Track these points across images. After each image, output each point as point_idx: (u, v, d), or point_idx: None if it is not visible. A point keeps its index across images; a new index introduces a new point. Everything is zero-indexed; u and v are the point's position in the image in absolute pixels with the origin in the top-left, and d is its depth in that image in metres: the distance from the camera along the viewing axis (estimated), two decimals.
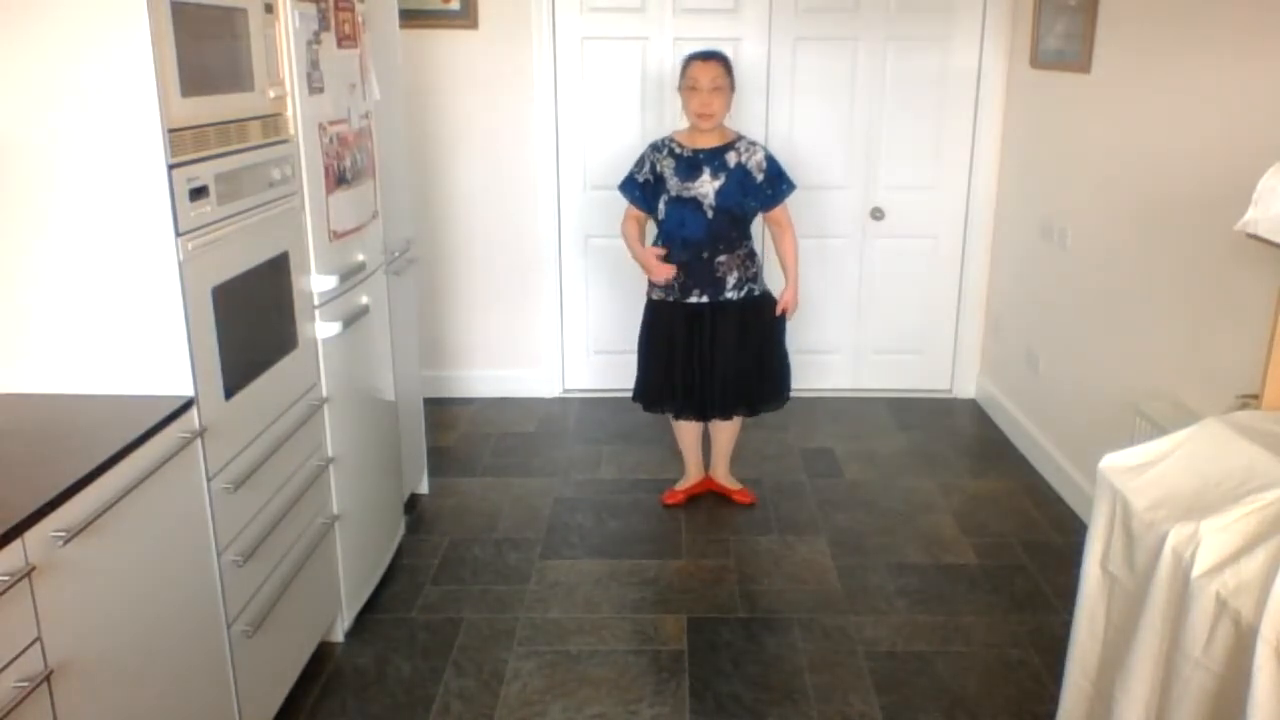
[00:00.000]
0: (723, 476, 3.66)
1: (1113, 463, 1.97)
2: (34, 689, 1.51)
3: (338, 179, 2.66)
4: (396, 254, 3.26)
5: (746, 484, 3.68)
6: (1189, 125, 2.89)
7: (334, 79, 2.61)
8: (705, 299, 3.31)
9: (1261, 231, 2.00)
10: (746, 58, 4.34)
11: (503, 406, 4.58)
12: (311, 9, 2.47)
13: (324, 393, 2.60)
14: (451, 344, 4.67)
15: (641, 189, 3.36)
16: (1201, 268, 2.82)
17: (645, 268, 3.38)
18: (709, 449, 3.68)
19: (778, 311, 3.38)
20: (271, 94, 2.28)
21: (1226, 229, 2.29)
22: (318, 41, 2.51)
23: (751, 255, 3.36)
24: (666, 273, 3.32)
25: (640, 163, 3.39)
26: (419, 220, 4.00)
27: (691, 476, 3.67)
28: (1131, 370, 3.21)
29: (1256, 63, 2.57)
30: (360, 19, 2.81)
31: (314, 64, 2.48)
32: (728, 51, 4.27)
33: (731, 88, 3.28)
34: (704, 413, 3.49)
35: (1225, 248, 2.64)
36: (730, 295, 3.31)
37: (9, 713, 1.46)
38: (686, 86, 3.25)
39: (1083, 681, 2.03)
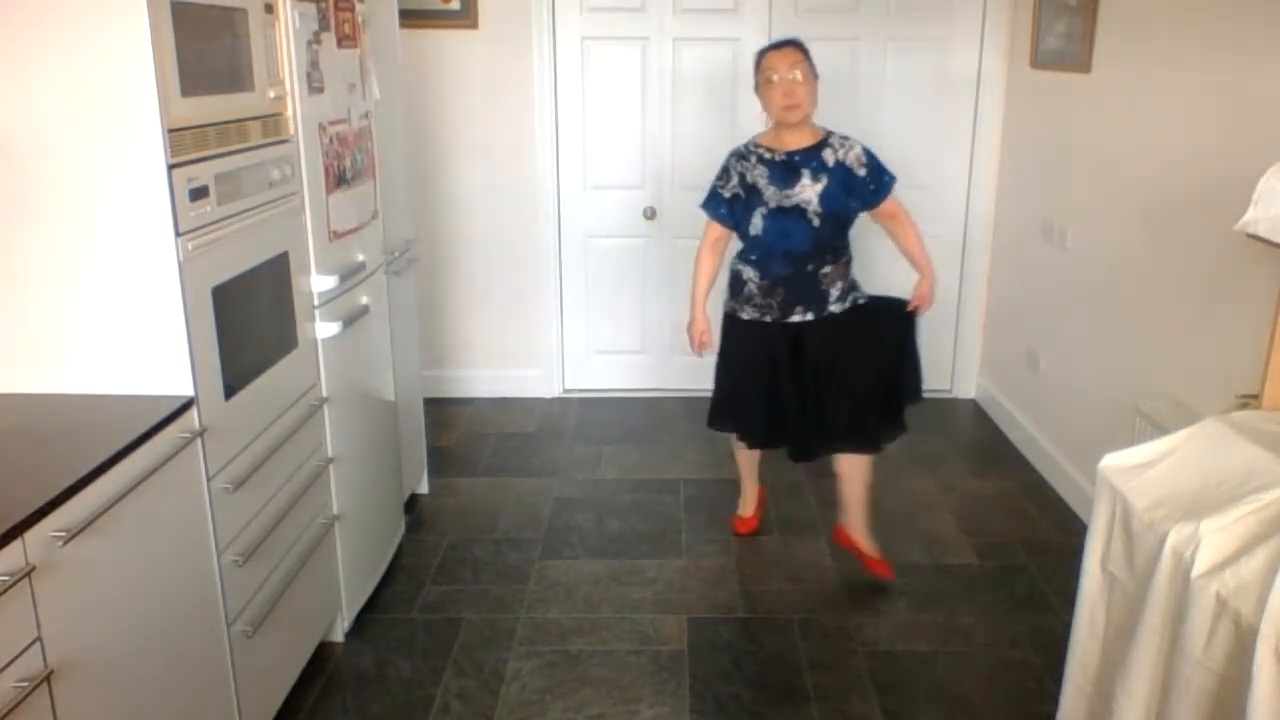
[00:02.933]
0: (859, 532, 3.13)
1: (1113, 463, 1.97)
2: (34, 689, 1.51)
3: (338, 179, 2.66)
4: (396, 254, 3.26)
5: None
6: (1189, 125, 2.89)
7: (334, 79, 2.61)
8: (810, 316, 2.93)
9: (1261, 231, 2.00)
10: (746, 58, 4.32)
11: (503, 406, 4.58)
12: (311, 9, 2.47)
13: (324, 393, 2.60)
14: (451, 344, 4.67)
15: (729, 205, 2.95)
16: (1202, 268, 2.82)
17: (691, 325, 3.05)
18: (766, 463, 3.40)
19: (911, 308, 3.01)
20: (271, 94, 2.28)
21: (1227, 229, 2.29)
22: (318, 41, 2.51)
23: (850, 261, 3.02)
24: (700, 348, 3.05)
25: (724, 174, 2.98)
26: (419, 220, 4.00)
27: (750, 498, 3.42)
28: (1131, 370, 3.21)
29: (1257, 63, 2.57)
30: (360, 19, 2.81)
31: (314, 64, 2.48)
32: (727, 51, 4.31)
33: (815, 75, 2.90)
34: (819, 446, 3.03)
35: (1225, 248, 2.64)
36: (834, 309, 2.95)
37: (9, 713, 1.46)
38: (764, 80, 2.88)
39: (1083, 681, 2.03)
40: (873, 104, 4.38)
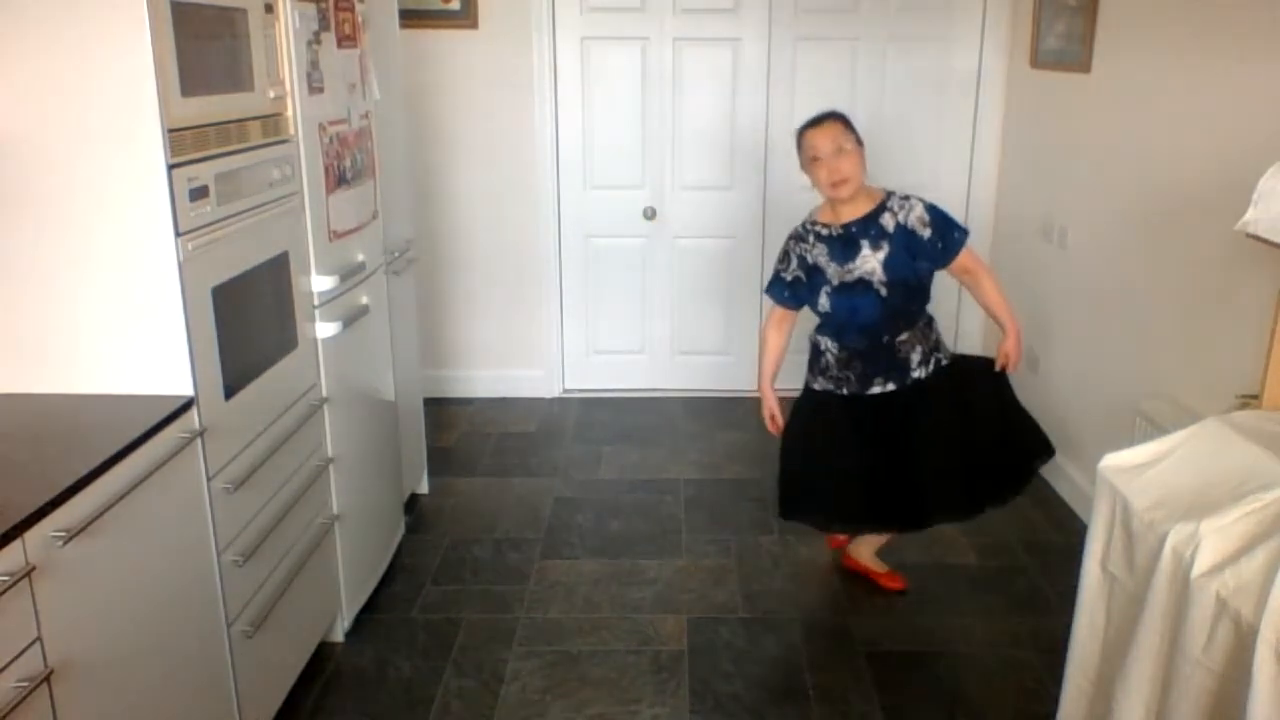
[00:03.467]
0: (867, 557, 3.14)
1: (1113, 463, 1.97)
2: (34, 689, 1.51)
3: (338, 179, 2.66)
4: (396, 254, 3.26)
5: (747, 483, 3.64)
6: (1189, 125, 2.89)
7: (334, 79, 2.61)
8: (891, 386, 2.79)
9: (1261, 231, 2.00)
10: (746, 58, 4.33)
11: (503, 406, 4.58)
12: (311, 9, 2.47)
13: (324, 393, 2.60)
14: (451, 344, 4.67)
15: (791, 288, 2.83)
16: (1201, 268, 2.82)
17: (764, 406, 2.90)
18: None
19: (998, 367, 2.84)
20: (271, 94, 2.28)
21: (1226, 229, 2.29)
22: (318, 41, 2.51)
23: (930, 323, 2.86)
24: (773, 427, 2.90)
25: (784, 258, 2.85)
26: (419, 220, 4.00)
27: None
28: (1131, 370, 3.21)
29: (1257, 63, 2.57)
30: (360, 19, 2.81)
31: (314, 64, 2.48)
32: (727, 51, 4.31)
33: (859, 143, 2.76)
34: (913, 519, 2.86)
35: (1225, 248, 2.64)
36: (917, 374, 2.79)
37: (9, 713, 1.46)
38: (809, 159, 2.75)
39: (1083, 681, 2.03)
40: (873, 104, 4.38)
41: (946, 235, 2.77)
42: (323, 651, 2.72)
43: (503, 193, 4.47)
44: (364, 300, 2.87)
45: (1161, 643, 1.74)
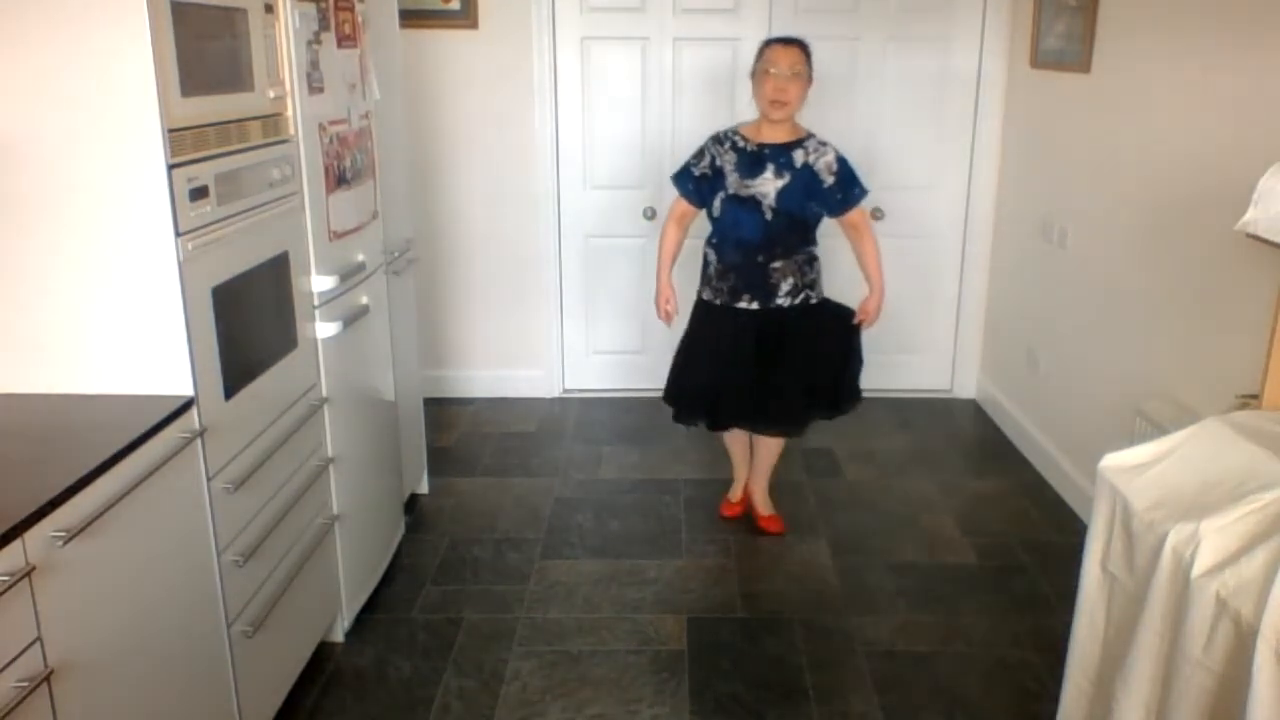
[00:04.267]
0: (758, 498, 3.45)
1: (1113, 463, 1.97)
2: (34, 689, 1.51)
3: (338, 179, 2.66)
4: (396, 254, 3.26)
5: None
6: (1189, 125, 2.89)
7: (334, 79, 2.61)
8: (755, 305, 3.09)
9: (1261, 231, 2.00)
10: (746, 58, 4.32)
11: (503, 406, 4.58)
12: (311, 9, 2.47)
13: (324, 393, 2.60)
14: (451, 344, 4.67)
15: (696, 182, 3.09)
16: (1201, 268, 2.82)
17: (656, 294, 3.20)
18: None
19: (856, 320, 3.16)
20: (271, 94, 2.28)
21: (1226, 229, 2.29)
22: (318, 41, 2.51)
23: (811, 261, 3.12)
24: (665, 317, 3.20)
25: (699, 154, 3.11)
26: (419, 220, 4.00)
27: (742, 482, 3.51)
28: (1131, 370, 3.21)
29: (1257, 63, 2.57)
30: (360, 19, 2.81)
31: (314, 64, 2.48)
32: (727, 51, 4.31)
33: (809, 78, 3.01)
34: (759, 423, 3.24)
35: (1225, 248, 2.64)
36: (781, 302, 3.08)
37: (9, 713, 1.46)
38: (760, 70, 2.98)
39: (1083, 681, 2.03)
40: (873, 104, 4.38)
41: (848, 189, 3.07)
42: (323, 651, 2.72)
43: (503, 193, 4.47)
44: (364, 300, 2.87)
45: (1161, 643, 1.74)
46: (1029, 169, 4.13)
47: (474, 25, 4.25)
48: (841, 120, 4.42)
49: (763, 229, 3.02)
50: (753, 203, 3.01)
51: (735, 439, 3.43)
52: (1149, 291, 3.12)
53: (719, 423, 3.29)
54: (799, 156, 3.02)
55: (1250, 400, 2.19)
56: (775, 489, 3.58)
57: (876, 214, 4.51)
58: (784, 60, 2.96)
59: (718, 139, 3.10)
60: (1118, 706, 1.82)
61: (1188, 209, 2.88)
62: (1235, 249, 2.53)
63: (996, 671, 2.68)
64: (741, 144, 3.05)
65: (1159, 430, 2.62)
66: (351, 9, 2.73)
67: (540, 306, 4.61)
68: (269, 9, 2.26)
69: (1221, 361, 2.70)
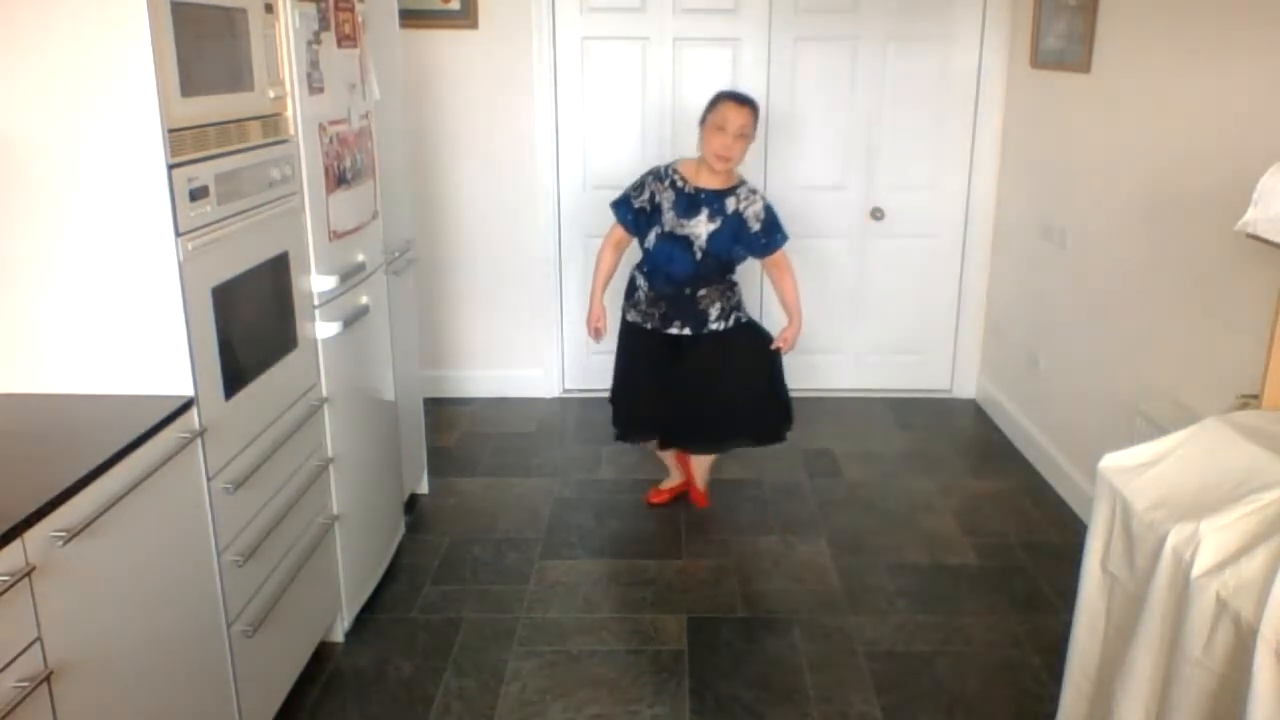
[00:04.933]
0: (700, 475, 3.60)
1: (1113, 463, 1.97)
2: (34, 689, 1.51)
3: (338, 179, 2.66)
4: (396, 254, 3.26)
5: (747, 484, 3.66)
6: (1189, 125, 2.89)
7: (334, 79, 2.61)
8: (688, 330, 3.27)
9: (1261, 231, 2.00)
10: (746, 58, 4.33)
11: (503, 406, 4.58)
12: (311, 9, 2.47)
13: (324, 393, 2.60)
14: (451, 344, 4.67)
15: (635, 214, 3.26)
16: (1201, 268, 2.82)
17: (589, 314, 3.38)
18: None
19: (774, 345, 3.32)
20: (271, 94, 2.28)
21: (1226, 229, 2.29)
22: (318, 41, 2.51)
23: (732, 286, 3.31)
24: (594, 335, 3.39)
25: (639, 187, 3.28)
26: (419, 220, 4.00)
27: (676, 478, 3.66)
28: (1131, 370, 3.21)
29: (1257, 62, 2.57)
30: (360, 19, 2.81)
31: (314, 64, 2.48)
32: (727, 51, 4.31)
33: (753, 138, 3.19)
34: (689, 441, 3.45)
35: (1225, 248, 2.64)
36: (715, 326, 3.27)
37: (9, 713, 1.46)
38: (713, 125, 3.14)
39: (1083, 681, 2.03)
40: (872, 104, 4.38)
41: (771, 235, 3.26)
42: (323, 651, 2.72)
43: (503, 193, 4.47)
44: (364, 300, 2.87)
45: (1161, 643, 1.74)
46: (1029, 169, 4.13)
47: (474, 25, 4.25)
48: (842, 120, 4.43)
49: (693, 266, 3.21)
50: (685, 242, 3.19)
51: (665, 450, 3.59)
52: (1149, 291, 3.12)
53: (664, 441, 3.47)
54: (731, 204, 3.20)
55: (1250, 400, 2.19)
56: (780, 491, 3.58)
57: (876, 214, 4.52)
58: (735, 121, 3.11)
59: (658, 175, 3.27)
60: (1118, 706, 1.82)
61: (1188, 209, 2.88)
62: (1235, 249, 2.53)
63: (996, 671, 2.68)
64: (680, 184, 3.22)
65: (1159, 430, 2.61)
66: (351, 9, 2.73)
67: (540, 306, 4.61)
68: (269, 9, 2.25)
69: (1221, 361, 2.70)
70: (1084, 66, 3.50)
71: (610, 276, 3.38)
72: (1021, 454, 4.06)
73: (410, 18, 3.98)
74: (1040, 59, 3.94)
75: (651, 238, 3.24)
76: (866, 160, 4.47)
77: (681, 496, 3.65)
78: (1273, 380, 2.07)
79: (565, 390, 4.74)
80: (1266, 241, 2.01)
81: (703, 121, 3.20)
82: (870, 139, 4.44)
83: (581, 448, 4.14)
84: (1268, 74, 2.53)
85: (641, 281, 3.32)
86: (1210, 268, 2.77)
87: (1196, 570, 1.64)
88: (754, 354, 3.33)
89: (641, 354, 3.35)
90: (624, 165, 4.43)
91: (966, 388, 4.73)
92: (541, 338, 4.66)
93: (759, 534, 3.42)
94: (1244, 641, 1.53)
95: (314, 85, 2.48)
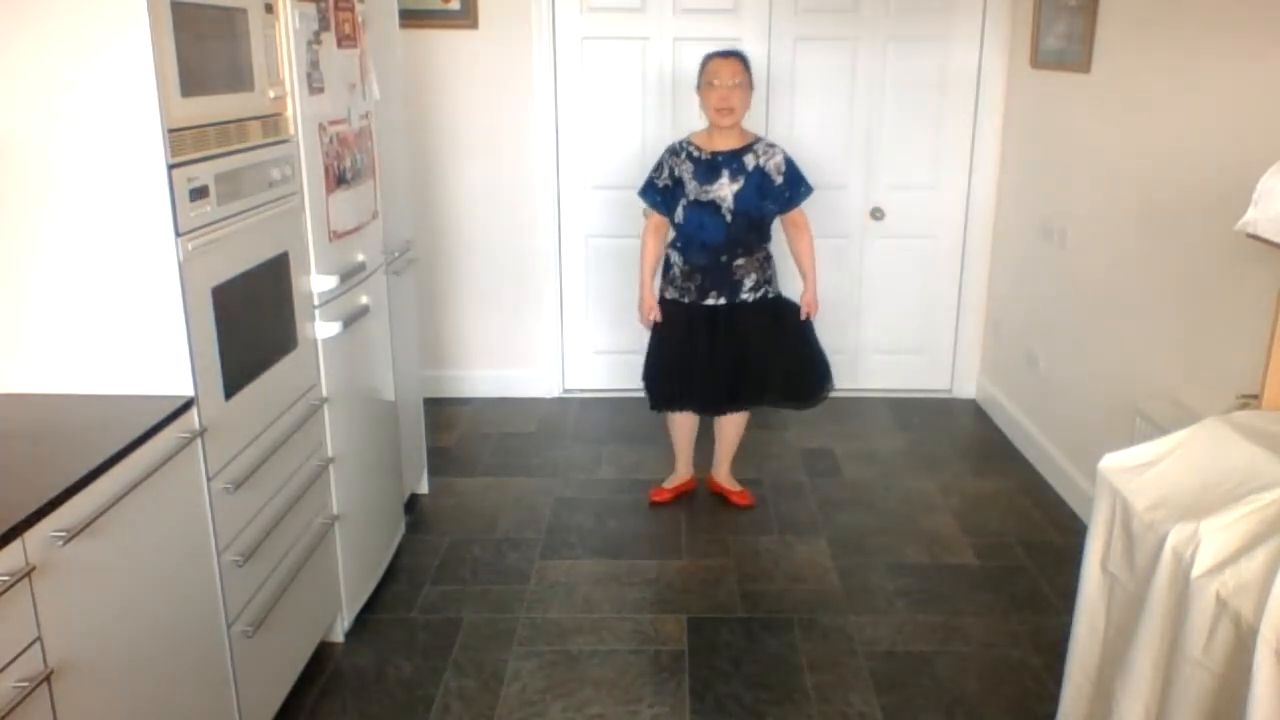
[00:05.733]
0: (723, 477, 3.65)
1: (1113, 463, 1.97)
2: (34, 689, 1.51)
3: (338, 179, 2.66)
4: (396, 254, 3.26)
5: (746, 484, 3.68)
6: (1189, 125, 2.89)
7: (334, 79, 2.61)
8: (723, 300, 3.31)
9: (1261, 231, 2.00)
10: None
11: (503, 406, 4.58)
12: (311, 9, 2.46)
13: (324, 393, 2.60)
14: (451, 344, 4.67)
15: (661, 194, 3.33)
16: (1202, 268, 2.82)
17: (640, 301, 3.41)
18: (702, 450, 3.67)
19: (802, 316, 3.38)
20: (271, 94, 2.28)
21: (1226, 229, 2.29)
22: (318, 41, 2.51)
23: (769, 258, 3.36)
24: (646, 320, 3.41)
25: (659, 168, 3.35)
26: (419, 220, 4.00)
27: (680, 474, 3.68)
28: (1131, 370, 3.21)
29: (1257, 63, 2.57)
30: (360, 19, 2.81)
31: (314, 64, 2.48)
32: None
33: (750, 85, 3.25)
34: (727, 403, 3.46)
35: (1225, 248, 2.64)
36: (746, 297, 3.31)
37: (9, 713, 1.46)
38: (705, 83, 3.22)
39: (1083, 681, 2.03)
40: (872, 104, 4.38)
41: (794, 187, 3.31)
42: (323, 651, 2.72)
43: (503, 193, 4.47)
44: (364, 300, 2.87)
45: (1161, 643, 1.74)
46: (1029, 169, 4.13)
47: (474, 25, 4.25)
48: (842, 120, 4.43)
49: (724, 230, 3.25)
50: (713, 207, 3.24)
51: (684, 432, 3.61)
52: (1149, 291, 3.11)
53: (695, 406, 3.51)
54: (750, 160, 3.25)
55: (1250, 400, 2.19)
56: (780, 491, 3.59)
57: (876, 214, 4.52)
58: (725, 71, 3.17)
59: (673, 150, 3.33)
60: (1118, 706, 1.82)
61: (1188, 209, 2.88)
62: (1235, 249, 2.53)
63: (996, 671, 2.68)
64: (696, 153, 3.28)
65: (1159, 430, 2.62)
66: (351, 9, 2.73)
67: (540, 306, 4.61)
68: (269, 9, 2.26)
69: (1221, 361, 2.70)
70: (1084, 66, 3.50)
71: (656, 264, 3.42)
72: (1021, 454, 4.06)
73: (410, 18, 3.98)
74: (1040, 59, 3.93)
75: (680, 211, 3.29)
76: (866, 160, 4.47)
77: (684, 495, 3.66)
78: (1273, 380, 2.07)
79: (565, 390, 4.74)
80: (1266, 241, 2.01)
81: (698, 87, 3.28)
82: (870, 139, 4.44)
83: (581, 448, 4.14)
84: (1268, 74, 2.53)
85: (676, 258, 3.36)
86: (1210, 268, 2.77)
87: (1196, 570, 1.64)
88: (788, 325, 3.38)
89: (681, 327, 3.36)
90: (624, 165, 4.45)
91: (966, 388, 4.73)
92: (541, 338, 4.66)
93: (759, 534, 3.42)
94: (1244, 641, 1.53)
95: (314, 85, 2.48)
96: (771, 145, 3.30)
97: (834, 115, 4.42)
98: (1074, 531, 3.35)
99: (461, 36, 4.26)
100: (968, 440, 4.28)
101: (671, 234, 3.38)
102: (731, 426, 3.58)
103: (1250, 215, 2.01)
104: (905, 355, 4.72)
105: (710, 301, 3.31)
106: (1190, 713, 1.65)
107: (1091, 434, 3.43)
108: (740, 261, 3.28)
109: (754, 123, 4.36)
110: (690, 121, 4.37)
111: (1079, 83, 3.57)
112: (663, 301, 3.42)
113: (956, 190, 4.49)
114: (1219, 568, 1.62)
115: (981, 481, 3.84)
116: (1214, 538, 1.65)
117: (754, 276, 3.31)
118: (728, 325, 3.32)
